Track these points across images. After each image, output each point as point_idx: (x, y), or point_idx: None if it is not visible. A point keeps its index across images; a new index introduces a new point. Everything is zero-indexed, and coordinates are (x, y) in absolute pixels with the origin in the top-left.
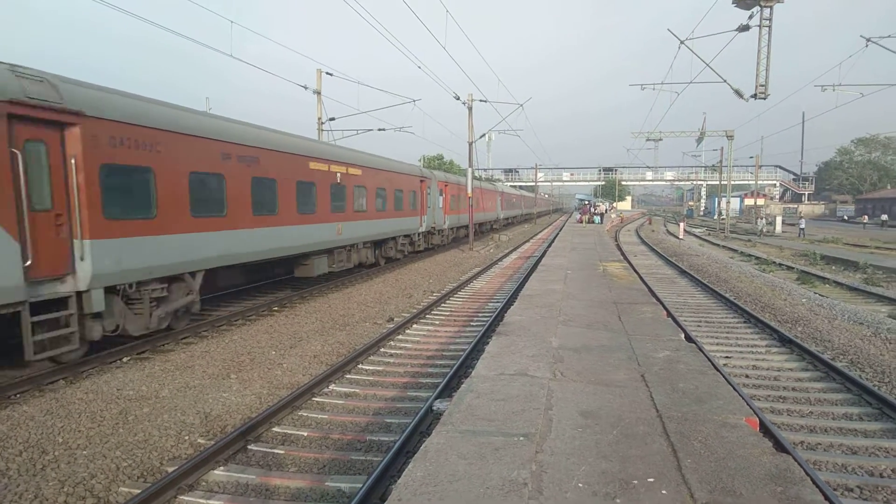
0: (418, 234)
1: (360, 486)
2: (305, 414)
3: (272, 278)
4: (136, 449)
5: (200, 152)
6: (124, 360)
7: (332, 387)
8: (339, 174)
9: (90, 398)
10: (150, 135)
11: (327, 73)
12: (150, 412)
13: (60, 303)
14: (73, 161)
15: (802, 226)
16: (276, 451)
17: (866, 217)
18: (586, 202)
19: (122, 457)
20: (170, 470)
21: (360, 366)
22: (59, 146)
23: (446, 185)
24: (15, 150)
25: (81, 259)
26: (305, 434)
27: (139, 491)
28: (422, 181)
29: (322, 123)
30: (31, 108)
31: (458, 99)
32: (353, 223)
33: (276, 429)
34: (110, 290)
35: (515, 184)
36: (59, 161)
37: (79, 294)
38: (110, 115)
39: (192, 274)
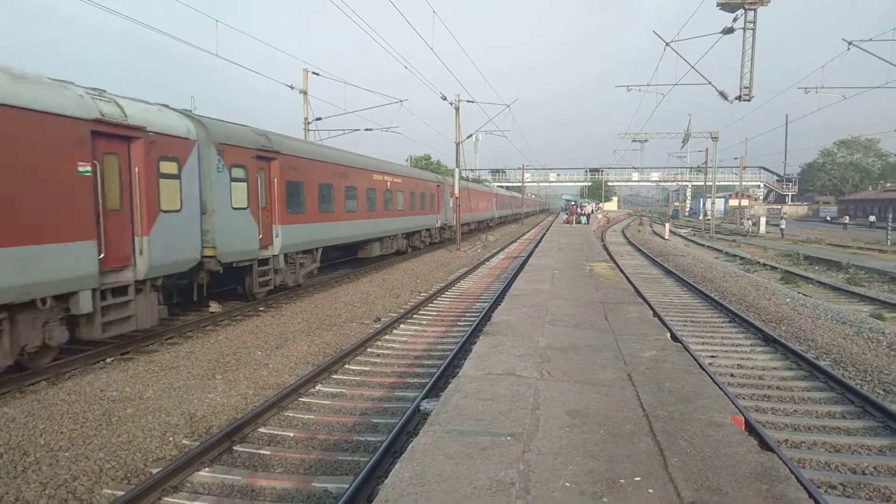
0: (435, 229)
1: (347, 486)
2: (292, 414)
3: (348, 257)
4: (119, 450)
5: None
6: (108, 360)
7: (318, 387)
8: (388, 182)
9: (73, 399)
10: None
11: (314, 73)
12: (134, 413)
13: None
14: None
15: (783, 226)
16: (262, 451)
17: (847, 218)
18: (573, 203)
19: (105, 458)
20: (154, 471)
21: (346, 366)
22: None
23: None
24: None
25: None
26: (292, 435)
27: (123, 493)
28: (438, 185)
29: (308, 123)
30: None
31: (445, 99)
32: (395, 219)
33: (262, 429)
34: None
35: (503, 184)
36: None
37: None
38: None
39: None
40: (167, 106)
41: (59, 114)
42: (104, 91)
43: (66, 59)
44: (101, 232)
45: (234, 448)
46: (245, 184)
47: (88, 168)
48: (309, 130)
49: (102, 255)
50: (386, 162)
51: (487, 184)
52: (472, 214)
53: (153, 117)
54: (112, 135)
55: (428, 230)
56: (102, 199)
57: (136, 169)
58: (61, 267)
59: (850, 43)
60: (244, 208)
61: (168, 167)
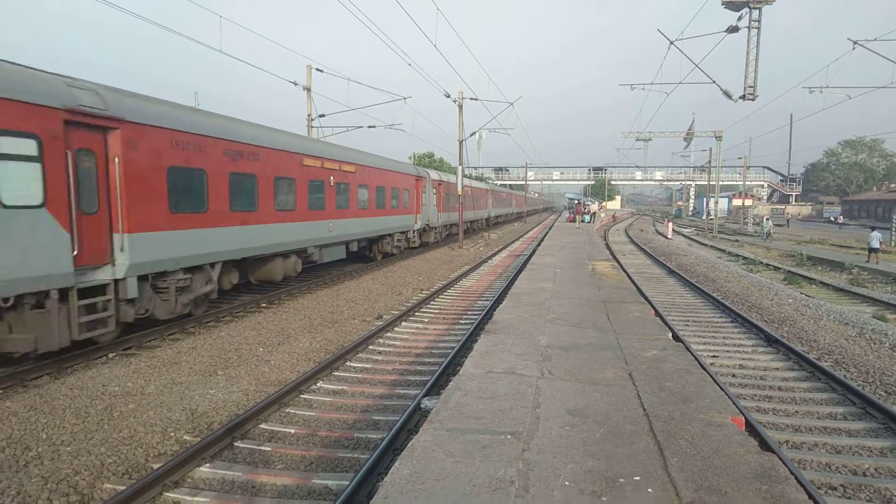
0: (413, 232)
1: (348, 483)
2: (293, 411)
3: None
4: (121, 445)
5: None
6: (110, 355)
7: (320, 384)
8: (336, 172)
9: (75, 394)
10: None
11: (317, 70)
12: (136, 408)
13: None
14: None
15: (767, 229)
16: (262, 448)
17: (841, 217)
18: (577, 201)
19: (106, 453)
20: (155, 466)
21: (348, 363)
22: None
23: (440, 184)
24: None
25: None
26: (293, 431)
27: (124, 487)
28: (417, 180)
29: (312, 120)
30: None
31: (449, 97)
32: (350, 220)
33: (263, 426)
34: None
35: (506, 182)
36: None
37: None
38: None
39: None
40: None
41: None
42: None
43: (60, 53)
44: None
45: (235, 444)
46: (36, 166)
47: None
48: (312, 127)
49: None
50: (334, 145)
51: (484, 180)
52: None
53: None
54: None
55: (403, 233)
56: None
57: None
58: None
59: (855, 42)
60: (31, 207)
61: None
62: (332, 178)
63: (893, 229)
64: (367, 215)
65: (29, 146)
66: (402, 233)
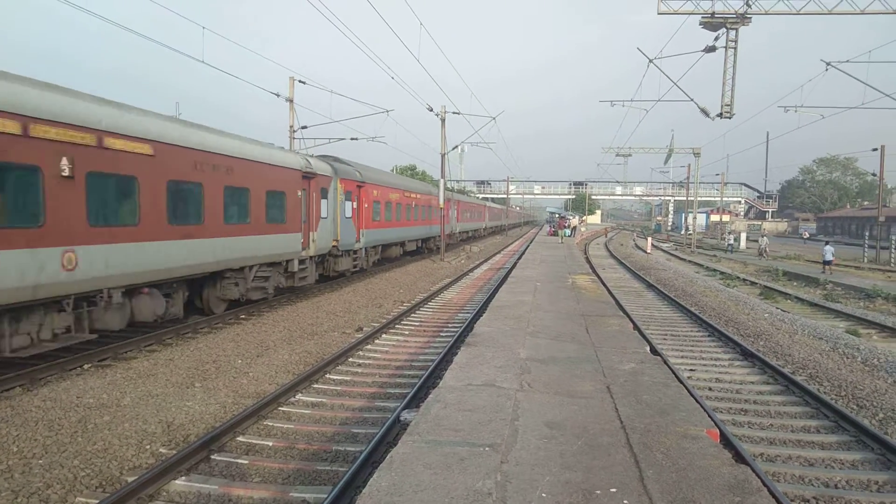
0: (296, 262)
1: (326, 496)
2: (271, 423)
3: None
4: (94, 458)
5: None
6: (85, 366)
7: (298, 396)
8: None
9: (48, 406)
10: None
11: (300, 82)
12: (111, 420)
13: None
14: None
15: (764, 244)
16: (239, 461)
17: (807, 233)
18: (558, 215)
19: (80, 466)
20: (130, 480)
21: (327, 375)
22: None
23: (362, 187)
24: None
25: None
26: (270, 444)
27: (97, 501)
28: (307, 178)
29: (294, 132)
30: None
31: (432, 110)
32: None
33: (240, 438)
34: None
35: (487, 196)
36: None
37: None
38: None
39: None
40: None
41: None
42: None
43: (55, 55)
44: None
45: (212, 457)
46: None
47: None
48: (294, 139)
49: None
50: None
51: (471, 194)
52: (403, 230)
53: None
54: None
55: (272, 265)
56: None
57: None
58: None
59: (828, 64)
60: None
61: None
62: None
63: (866, 246)
64: (178, 236)
65: None
66: (269, 265)
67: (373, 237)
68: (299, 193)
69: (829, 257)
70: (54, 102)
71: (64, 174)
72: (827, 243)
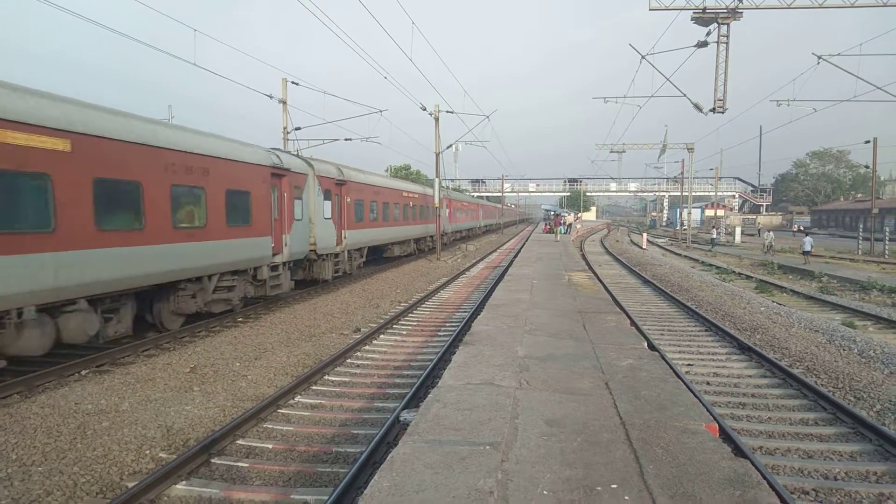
0: (266, 269)
1: (327, 498)
2: (270, 426)
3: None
4: (94, 464)
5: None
6: (83, 372)
7: (298, 398)
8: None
9: (46, 412)
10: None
11: (293, 83)
12: (110, 426)
13: None
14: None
15: (715, 236)
16: (240, 464)
17: (796, 226)
18: (554, 213)
19: (79, 472)
20: (130, 485)
21: (326, 377)
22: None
23: (343, 185)
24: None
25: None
26: (270, 446)
27: None
28: (277, 175)
29: (287, 133)
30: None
31: (425, 110)
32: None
33: (240, 441)
34: None
35: (483, 194)
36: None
37: None
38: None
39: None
40: None
41: None
42: None
43: (53, 55)
44: None
45: (212, 461)
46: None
47: None
48: (288, 140)
49: None
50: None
51: (466, 192)
52: (393, 230)
53: None
54: None
55: (237, 273)
56: None
57: None
58: None
59: (819, 57)
60: None
61: None
62: None
63: (860, 238)
64: (111, 243)
65: None
66: (234, 273)
67: (357, 238)
68: (268, 192)
69: (807, 248)
70: None
71: None
72: (806, 235)
